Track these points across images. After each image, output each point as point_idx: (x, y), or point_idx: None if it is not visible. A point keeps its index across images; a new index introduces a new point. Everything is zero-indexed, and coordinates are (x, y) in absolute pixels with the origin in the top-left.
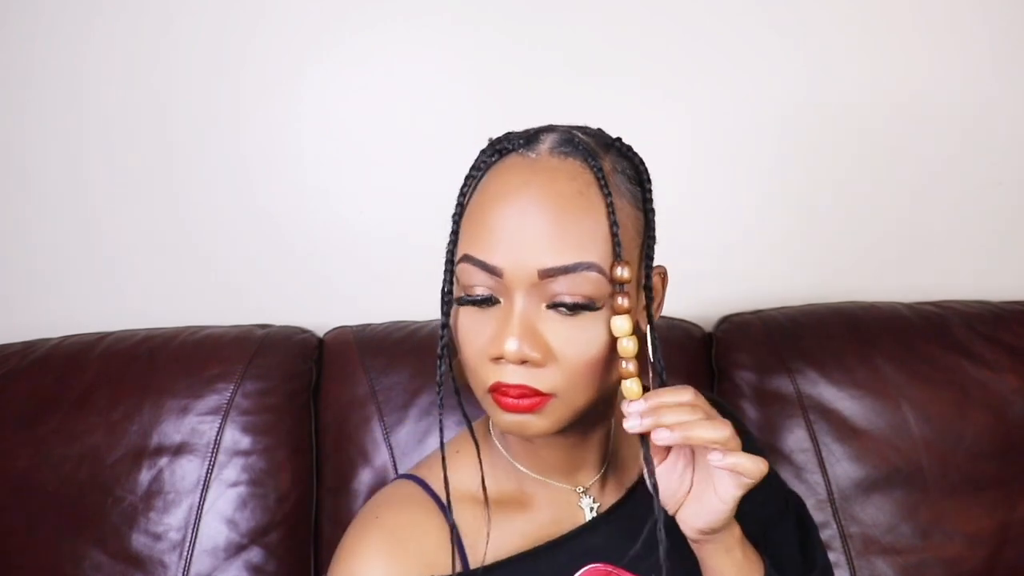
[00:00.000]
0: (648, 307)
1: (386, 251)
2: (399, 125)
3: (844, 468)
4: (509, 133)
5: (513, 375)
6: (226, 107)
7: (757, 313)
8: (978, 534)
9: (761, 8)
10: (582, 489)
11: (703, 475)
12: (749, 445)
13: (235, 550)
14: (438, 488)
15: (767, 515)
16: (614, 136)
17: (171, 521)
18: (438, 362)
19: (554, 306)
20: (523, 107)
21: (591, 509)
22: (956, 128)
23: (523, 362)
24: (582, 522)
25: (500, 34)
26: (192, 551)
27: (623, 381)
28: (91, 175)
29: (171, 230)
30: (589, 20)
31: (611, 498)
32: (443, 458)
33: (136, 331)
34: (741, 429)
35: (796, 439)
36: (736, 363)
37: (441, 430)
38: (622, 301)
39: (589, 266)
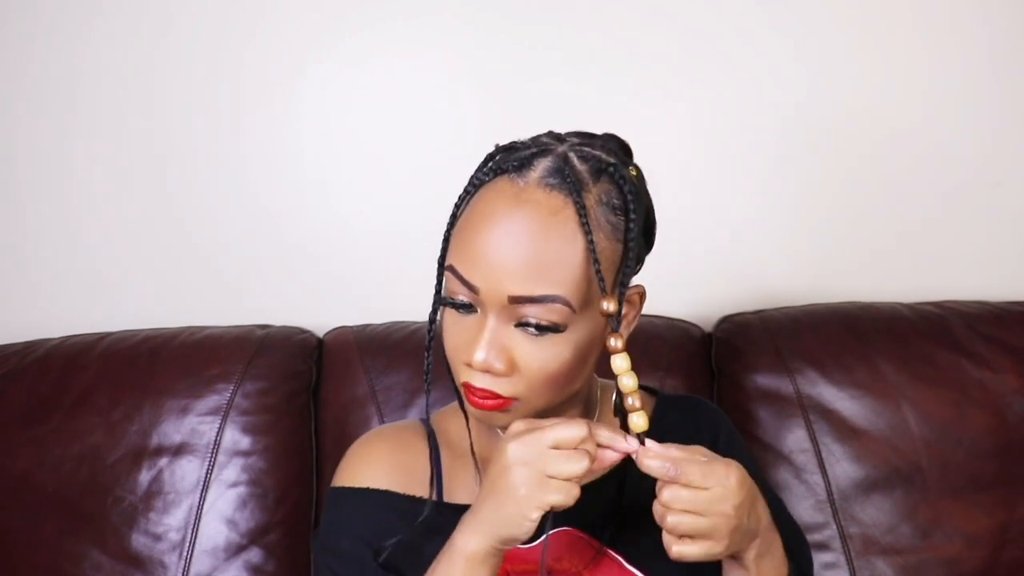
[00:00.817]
0: (616, 330)
1: (386, 251)
2: (399, 125)
3: (844, 468)
4: (513, 143)
5: (480, 380)
6: (226, 107)
7: (757, 313)
8: (978, 534)
9: (761, 8)
10: None
11: None
12: (736, 455)
13: (235, 550)
14: (439, 432)
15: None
16: (625, 146)
17: (171, 521)
18: (426, 353)
19: (522, 325)
20: (523, 107)
21: None
22: (956, 128)
23: (488, 370)
24: None
25: (500, 34)
26: (192, 551)
27: (629, 415)
28: (91, 175)
29: (171, 230)
30: (589, 20)
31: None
32: (427, 416)
33: (136, 331)
34: (728, 440)
35: (796, 439)
36: (736, 363)
37: (428, 406)
38: (615, 343)
39: (555, 299)
